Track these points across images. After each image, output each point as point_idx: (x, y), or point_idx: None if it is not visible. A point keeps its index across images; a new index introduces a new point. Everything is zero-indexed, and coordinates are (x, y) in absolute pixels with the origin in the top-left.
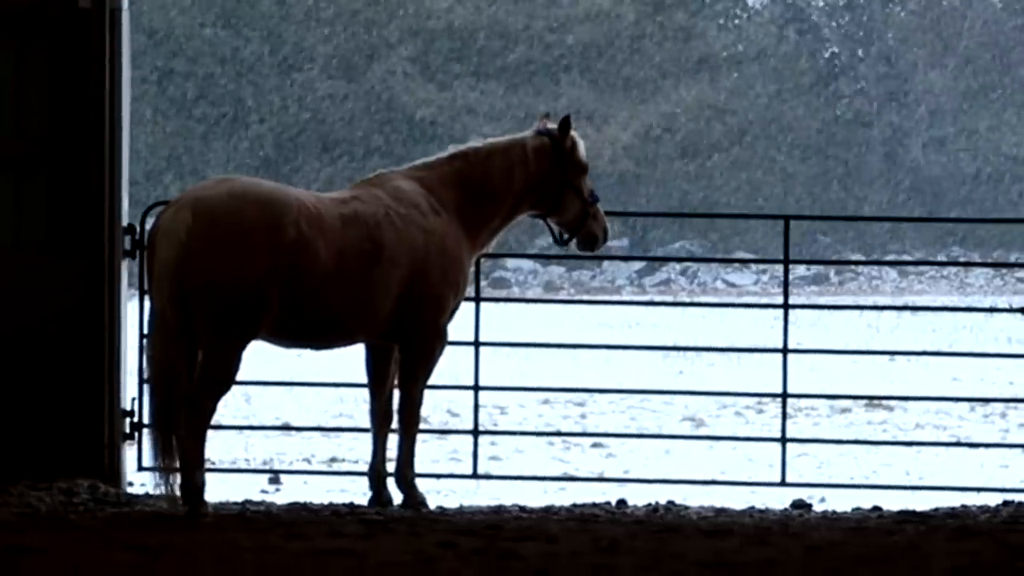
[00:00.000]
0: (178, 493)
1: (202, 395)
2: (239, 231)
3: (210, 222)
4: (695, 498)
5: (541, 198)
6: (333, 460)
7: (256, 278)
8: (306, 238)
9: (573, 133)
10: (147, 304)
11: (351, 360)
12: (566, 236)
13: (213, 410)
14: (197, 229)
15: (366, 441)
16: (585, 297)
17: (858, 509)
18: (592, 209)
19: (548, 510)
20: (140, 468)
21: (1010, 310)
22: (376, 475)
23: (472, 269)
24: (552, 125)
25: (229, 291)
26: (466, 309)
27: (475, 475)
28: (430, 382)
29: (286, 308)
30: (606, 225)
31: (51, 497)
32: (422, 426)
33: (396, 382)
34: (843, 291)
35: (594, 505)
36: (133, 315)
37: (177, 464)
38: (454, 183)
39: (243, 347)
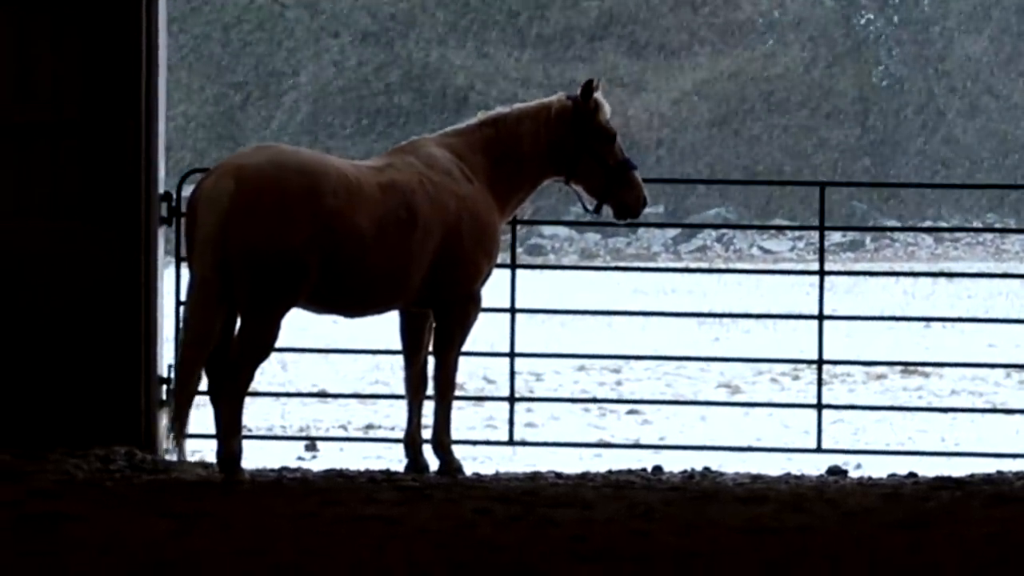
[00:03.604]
0: (187, 457)
1: (241, 362)
2: (280, 199)
3: (252, 190)
4: (731, 464)
5: (558, 163)
6: (369, 427)
7: (297, 245)
8: (345, 206)
9: (597, 96)
10: (184, 271)
11: (387, 327)
12: (594, 204)
13: (251, 377)
14: (239, 197)
15: (402, 408)
16: (621, 264)
17: (894, 475)
18: (627, 176)
19: (584, 477)
20: None
21: None
22: (412, 442)
23: (508, 236)
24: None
25: (271, 258)
26: (502, 276)
27: (511, 442)
28: (466, 348)
29: (325, 275)
30: (641, 194)
31: (88, 464)
32: (458, 393)
33: (431, 349)
34: (879, 257)
35: (630, 472)
36: (169, 282)
37: (187, 431)
38: (484, 149)
39: (282, 315)
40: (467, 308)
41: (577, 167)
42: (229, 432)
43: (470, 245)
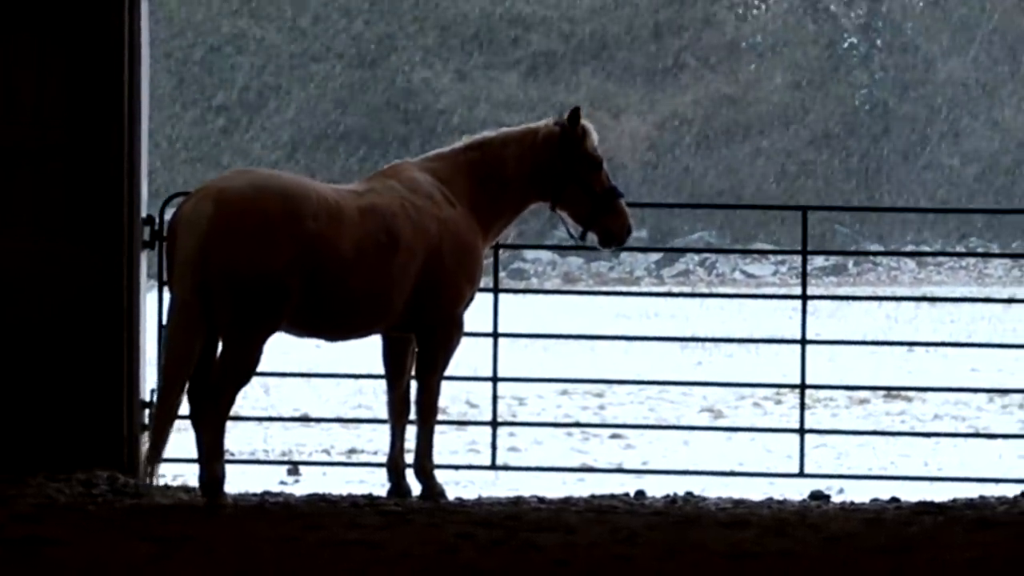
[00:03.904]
0: (159, 482)
1: (222, 386)
2: (261, 222)
3: (231, 213)
4: (713, 489)
5: (543, 188)
6: (352, 451)
7: (278, 268)
8: (326, 230)
9: (585, 124)
10: (167, 295)
11: (369, 351)
12: (579, 231)
13: (232, 401)
14: (218, 220)
15: (385, 432)
16: (603, 288)
17: (876, 500)
18: (612, 204)
19: (567, 501)
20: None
21: None
22: (395, 467)
23: (490, 260)
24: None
25: (251, 281)
26: (484, 300)
27: (494, 466)
28: (449, 373)
29: (306, 299)
30: (627, 222)
31: (70, 488)
32: (441, 417)
33: (413, 373)
34: (861, 281)
35: (612, 496)
36: (152, 306)
37: (163, 456)
38: (468, 173)
39: (264, 339)
40: (449, 332)
41: (562, 193)
42: (211, 456)
43: (452, 269)
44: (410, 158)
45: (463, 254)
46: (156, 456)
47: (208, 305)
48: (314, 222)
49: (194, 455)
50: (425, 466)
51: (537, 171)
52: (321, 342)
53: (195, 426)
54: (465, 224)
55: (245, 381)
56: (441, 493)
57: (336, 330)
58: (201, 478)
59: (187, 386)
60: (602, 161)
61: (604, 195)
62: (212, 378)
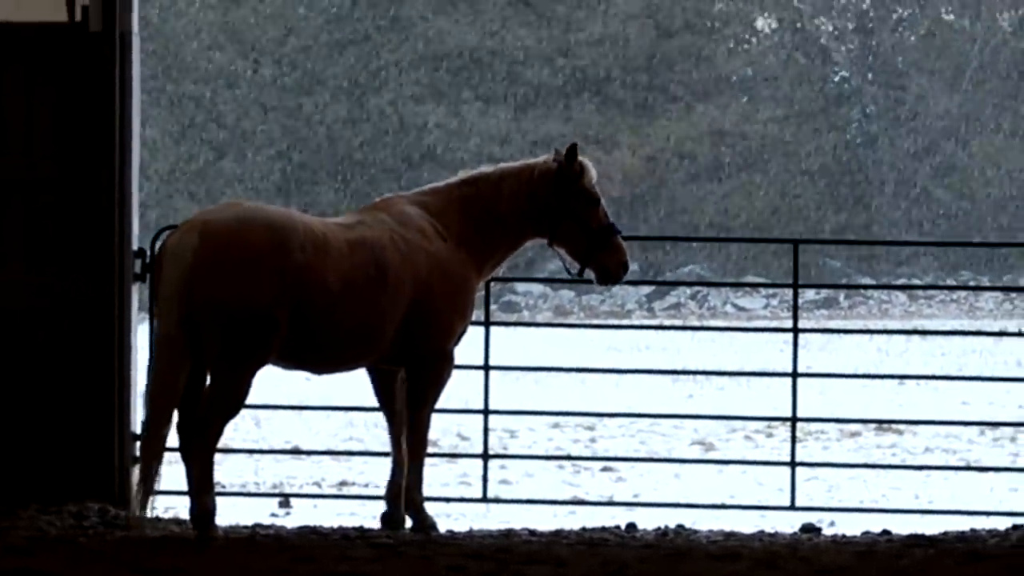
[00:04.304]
0: (151, 514)
1: (211, 418)
2: (246, 254)
3: (217, 245)
4: (705, 522)
5: (539, 224)
6: (343, 484)
7: (263, 301)
8: (312, 262)
9: (583, 160)
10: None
11: (361, 384)
12: (576, 268)
13: (220, 433)
14: (204, 252)
15: (376, 464)
16: (595, 321)
17: (867, 533)
18: (609, 241)
19: (558, 534)
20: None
21: (1019, 334)
22: (393, 496)
23: (482, 292)
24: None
25: (237, 314)
26: (476, 333)
27: (485, 499)
28: (440, 405)
29: (293, 331)
30: (623, 259)
31: (61, 520)
32: (432, 449)
33: (404, 405)
34: (853, 315)
35: (604, 529)
36: (144, 338)
37: (154, 489)
38: (461, 208)
39: (253, 371)
40: (439, 367)
41: (558, 229)
42: (201, 489)
43: (442, 303)
44: (402, 192)
45: (453, 288)
46: (147, 490)
47: (194, 338)
48: (301, 254)
49: (185, 487)
50: (415, 499)
51: (533, 207)
52: (310, 375)
53: (184, 459)
54: (456, 258)
55: (233, 414)
56: (432, 526)
57: (324, 362)
58: (192, 511)
59: (176, 419)
60: (599, 198)
61: (601, 232)
62: (200, 411)
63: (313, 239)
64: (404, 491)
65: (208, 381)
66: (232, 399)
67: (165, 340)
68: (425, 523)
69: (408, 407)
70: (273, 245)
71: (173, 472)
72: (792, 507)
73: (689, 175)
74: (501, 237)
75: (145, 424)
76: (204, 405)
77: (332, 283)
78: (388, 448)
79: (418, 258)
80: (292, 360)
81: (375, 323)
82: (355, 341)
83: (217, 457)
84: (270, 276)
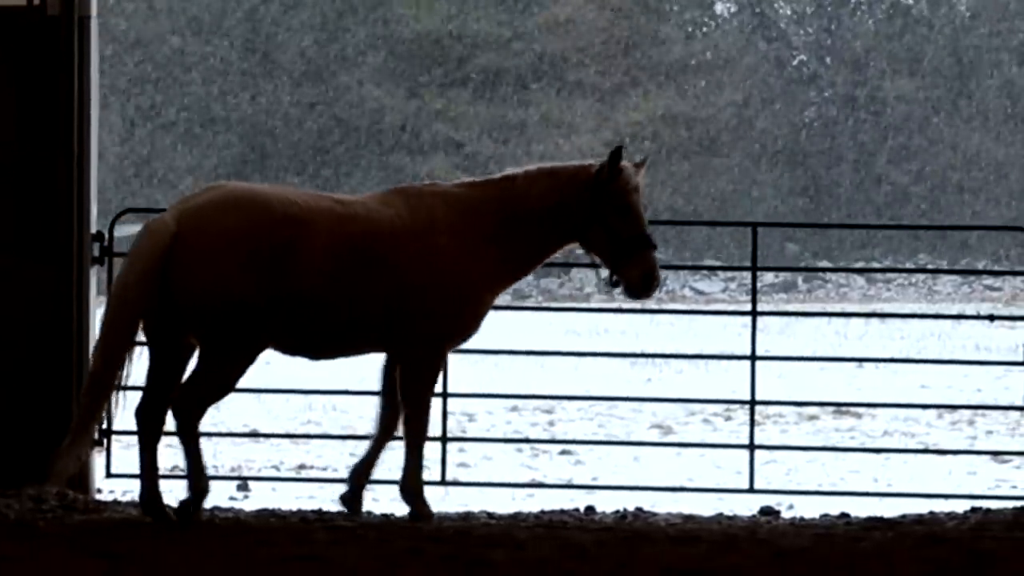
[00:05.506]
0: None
1: (193, 404)
2: (218, 240)
3: (190, 232)
4: (663, 505)
5: (569, 227)
6: (302, 467)
7: (241, 286)
8: (289, 239)
9: (625, 166)
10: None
11: (320, 367)
12: (613, 278)
13: (201, 417)
14: (179, 240)
15: (334, 448)
16: (553, 304)
17: (826, 516)
18: (636, 253)
19: (516, 517)
20: (109, 475)
21: (977, 317)
22: (358, 478)
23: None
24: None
25: (215, 301)
26: None
27: (443, 482)
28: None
29: (283, 314)
30: (643, 273)
31: (20, 504)
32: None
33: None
34: (811, 298)
35: (562, 512)
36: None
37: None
38: (495, 205)
39: (245, 357)
40: (420, 367)
41: (588, 235)
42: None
43: (433, 299)
44: (441, 181)
45: (450, 286)
46: (79, 448)
47: (167, 325)
48: (276, 234)
49: (138, 471)
50: (414, 486)
51: (562, 208)
52: (271, 358)
53: (141, 446)
54: (465, 256)
55: (217, 399)
56: (430, 516)
57: (318, 346)
58: (140, 496)
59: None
60: (634, 206)
61: (628, 241)
62: (178, 395)
63: (293, 215)
64: (402, 479)
65: (191, 368)
66: (217, 387)
67: (130, 318)
68: (424, 511)
69: (402, 396)
70: (245, 227)
71: (128, 455)
72: (751, 490)
73: (648, 159)
74: (531, 237)
75: (87, 386)
76: (184, 390)
77: (315, 258)
78: (346, 432)
79: (415, 247)
80: (287, 344)
81: (362, 304)
82: (343, 320)
83: (173, 440)
84: (244, 259)
